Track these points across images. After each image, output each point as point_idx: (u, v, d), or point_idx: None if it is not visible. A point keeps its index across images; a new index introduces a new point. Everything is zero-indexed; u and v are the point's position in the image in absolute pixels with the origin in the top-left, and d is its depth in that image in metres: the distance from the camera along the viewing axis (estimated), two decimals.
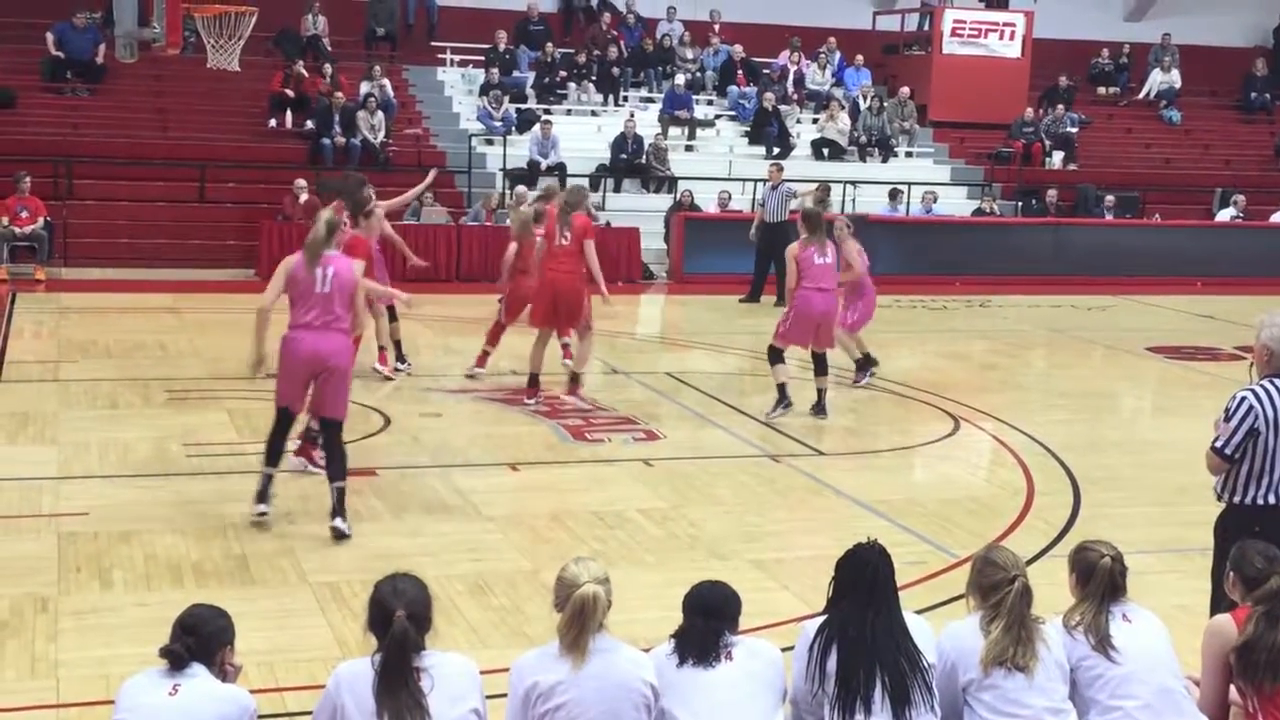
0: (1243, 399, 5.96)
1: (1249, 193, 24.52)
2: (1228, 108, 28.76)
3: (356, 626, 5.81)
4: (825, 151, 23.88)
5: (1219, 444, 5.99)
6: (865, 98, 25.24)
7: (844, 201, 22.73)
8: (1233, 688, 4.93)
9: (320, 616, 7.16)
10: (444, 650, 4.58)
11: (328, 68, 23.01)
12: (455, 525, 8.87)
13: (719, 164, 23.24)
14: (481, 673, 4.63)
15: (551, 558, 7.74)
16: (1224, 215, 24.25)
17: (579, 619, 4.49)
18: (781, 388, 11.89)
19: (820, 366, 12.02)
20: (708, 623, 4.72)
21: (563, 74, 24.61)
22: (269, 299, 8.44)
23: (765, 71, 25.70)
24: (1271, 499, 5.94)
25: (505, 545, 8.51)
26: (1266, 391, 5.96)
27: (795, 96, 25.46)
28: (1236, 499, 6.02)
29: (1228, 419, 5.98)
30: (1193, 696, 4.95)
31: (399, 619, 4.29)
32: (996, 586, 4.82)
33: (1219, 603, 5.50)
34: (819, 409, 11.97)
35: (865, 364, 13.46)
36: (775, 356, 11.93)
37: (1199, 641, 5.10)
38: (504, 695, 4.65)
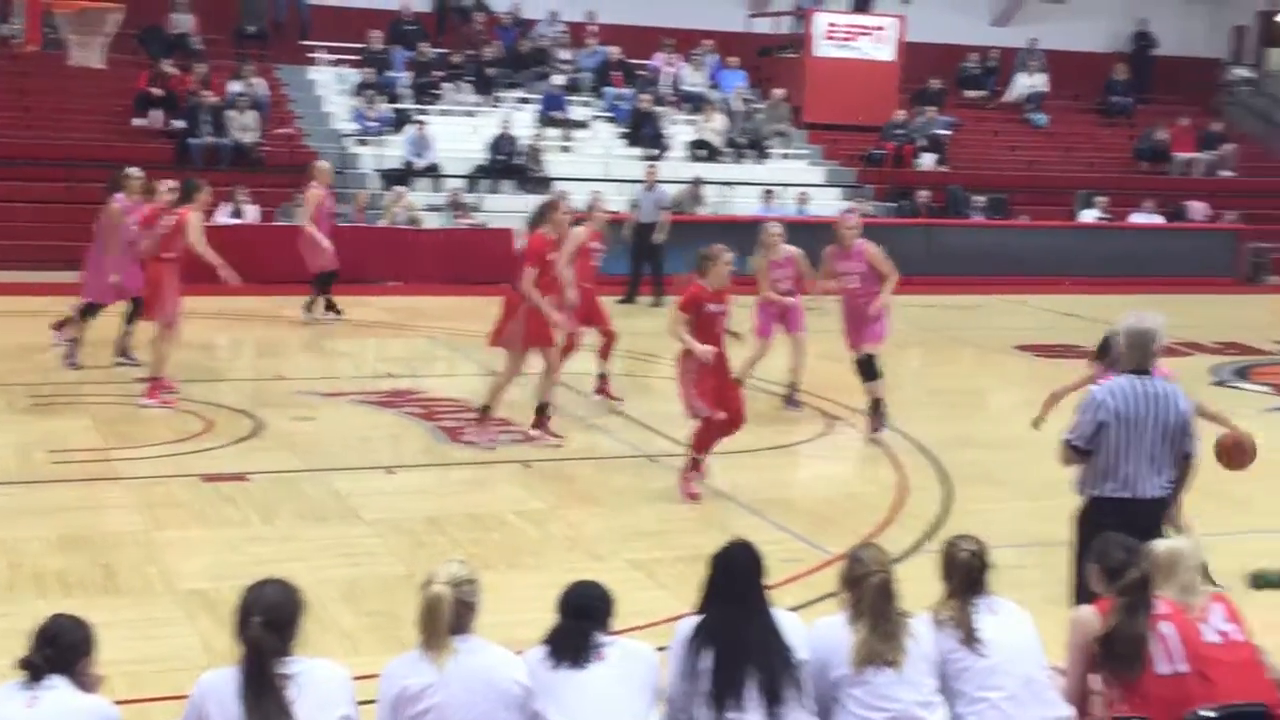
0: (1092, 393, 6.17)
1: (1110, 194, 25.15)
2: (1090, 111, 29.47)
3: (226, 634, 5.70)
4: (701, 153, 24.01)
5: (1068, 435, 6.21)
6: (740, 99, 25.42)
7: (719, 203, 22.91)
8: (1095, 677, 5.05)
9: (188, 625, 7.03)
10: (315, 657, 4.51)
11: (199, 66, 22.58)
12: (329, 530, 8.76)
13: (595, 165, 23.25)
14: (356, 679, 4.58)
15: (428, 561, 7.65)
16: (1087, 216, 24.85)
17: (428, 620, 4.48)
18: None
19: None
20: (580, 623, 4.72)
21: (438, 74, 24.44)
22: None
23: (641, 73, 25.77)
24: (1126, 493, 6.11)
25: (381, 549, 8.42)
26: (1116, 386, 6.15)
27: (671, 98, 25.56)
28: (1094, 493, 6.20)
29: (1079, 412, 6.17)
30: (1057, 686, 5.06)
31: (254, 625, 4.22)
32: (858, 582, 4.90)
33: (1082, 594, 5.63)
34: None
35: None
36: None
37: (1064, 633, 5.22)
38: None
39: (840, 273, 11.72)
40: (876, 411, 11.51)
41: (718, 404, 9.30)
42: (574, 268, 11.91)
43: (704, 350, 9.02)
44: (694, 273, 9.46)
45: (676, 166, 22.84)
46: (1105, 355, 7.90)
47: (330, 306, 16.67)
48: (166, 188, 12.23)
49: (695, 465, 9.45)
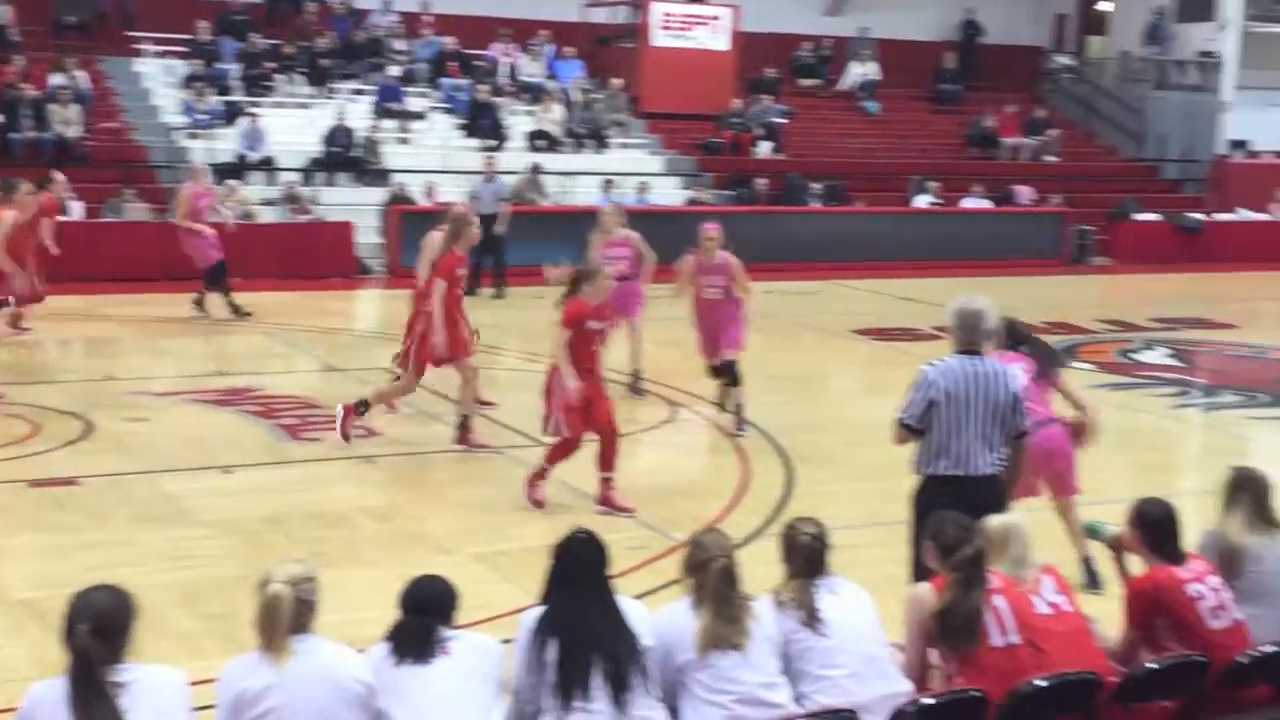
0: (922, 372, 6.31)
1: (943, 179, 25.72)
2: (921, 99, 30.10)
3: (56, 645, 5.53)
4: (540, 143, 23.95)
5: (899, 414, 6.33)
6: (578, 90, 25.41)
7: (559, 194, 22.88)
8: (933, 651, 5.16)
9: (16, 636, 6.81)
10: (152, 663, 4.40)
11: (17, 58, 21.79)
12: (164, 532, 8.56)
13: (434, 156, 23.04)
14: (198, 683, 4.48)
15: (267, 562, 7.46)
16: (920, 202, 25.39)
17: (267, 620, 4.41)
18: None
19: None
20: (422, 619, 4.67)
21: (269, 65, 23.96)
22: None
23: (478, 63, 25.60)
24: (958, 470, 6.26)
25: (219, 551, 8.25)
26: (946, 365, 6.29)
27: (509, 89, 25.45)
28: (928, 471, 6.33)
29: (909, 391, 6.31)
30: (897, 662, 5.16)
31: (80, 632, 4.09)
32: (700, 568, 4.93)
33: (919, 572, 5.76)
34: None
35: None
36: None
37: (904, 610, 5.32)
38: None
39: (703, 284, 11.59)
40: (739, 413, 11.46)
41: (585, 422, 9.08)
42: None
43: (574, 386, 8.82)
44: (569, 290, 9.13)
45: (516, 157, 22.74)
46: (1009, 339, 8.15)
47: (234, 309, 16.26)
48: (25, 189, 11.91)
49: (542, 474, 9.34)
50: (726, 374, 11.53)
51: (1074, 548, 7.87)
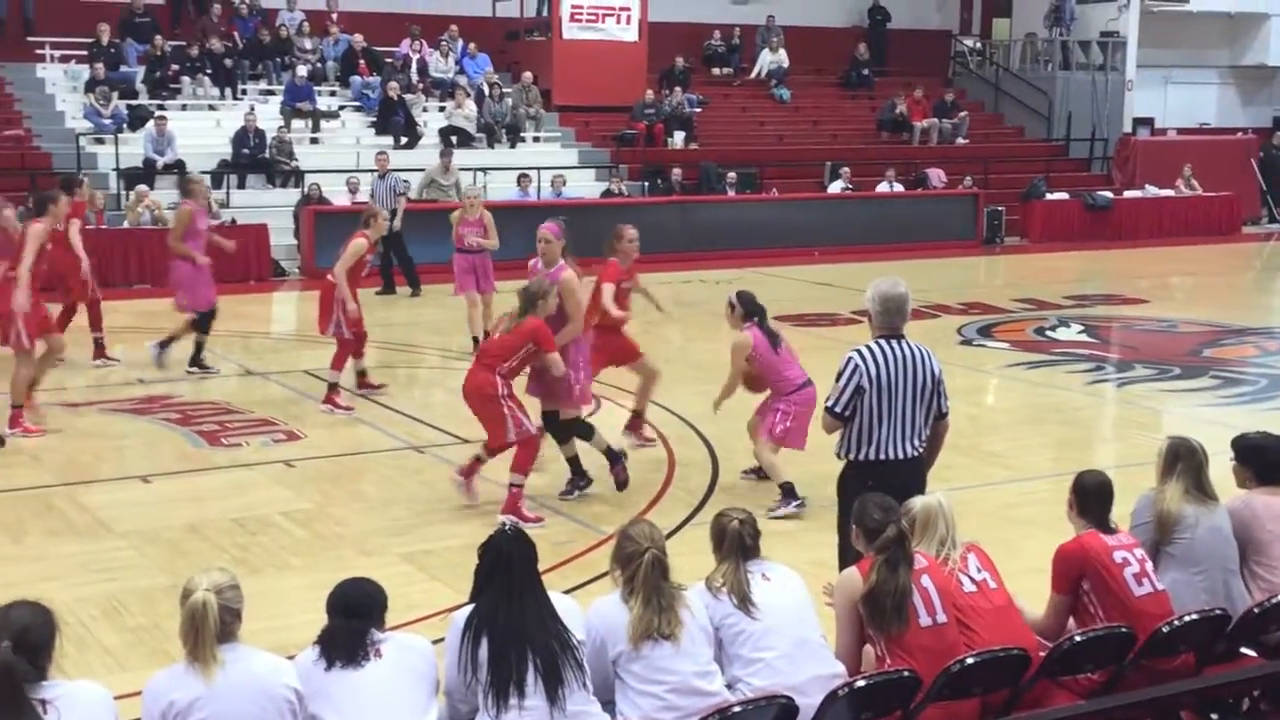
0: (849, 359, 6.32)
1: (855, 164, 25.92)
2: (832, 85, 30.30)
3: None
4: (454, 139, 23.81)
5: (829, 403, 6.34)
6: (488, 84, 25.31)
7: (479, 189, 22.74)
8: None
9: None
10: (76, 679, 4.32)
11: None
12: (83, 545, 8.42)
13: (346, 155, 22.83)
14: (123, 697, 4.41)
15: (191, 570, 7.37)
16: (834, 187, 25.57)
17: (192, 630, 4.34)
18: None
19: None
20: (351, 622, 4.62)
21: (175, 68, 23.60)
22: None
23: (388, 61, 25.39)
24: (883, 454, 6.29)
25: (140, 561, 8.13)
26: (871, 351, 6.32)
27: (420, 85, 25.28)
28: (852, 455, 6.36)
29: (837, 379, 6.32)
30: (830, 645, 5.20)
31: (3, 650, 4.00)
32: (630, 559, 4.93)
33: (846, 555, 5.79)
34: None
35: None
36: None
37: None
38: None
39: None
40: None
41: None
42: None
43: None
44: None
45: (430, 154, 22.57)
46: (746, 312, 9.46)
47: (197, 363, 13.64)
48: (63, 201, 11.60)
49: (478, 464, 9.20)
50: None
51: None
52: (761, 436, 9.32)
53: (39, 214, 11.37)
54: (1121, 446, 11.54)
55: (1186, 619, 5.37)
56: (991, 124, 30.56)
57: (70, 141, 21.40)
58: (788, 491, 9.12)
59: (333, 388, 12.07)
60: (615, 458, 9.51)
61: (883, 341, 6.33)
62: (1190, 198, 27.77)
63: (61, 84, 23.38)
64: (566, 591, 6.04)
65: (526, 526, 8.31)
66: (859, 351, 6.32)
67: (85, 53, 23.27)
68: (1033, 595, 5.72)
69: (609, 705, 4.79)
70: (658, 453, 10.66)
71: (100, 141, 21.74)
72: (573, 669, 4.63)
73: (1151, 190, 27.68)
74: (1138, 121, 30.75)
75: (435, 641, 4.91)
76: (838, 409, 6.30)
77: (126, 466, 10.28)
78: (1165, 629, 5.31)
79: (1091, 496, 5.68)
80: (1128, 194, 27.50)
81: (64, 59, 23.70)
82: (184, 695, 4.29)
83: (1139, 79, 30.53)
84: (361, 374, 12.70)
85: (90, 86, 22.39)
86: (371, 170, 21.57)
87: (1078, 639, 5.20)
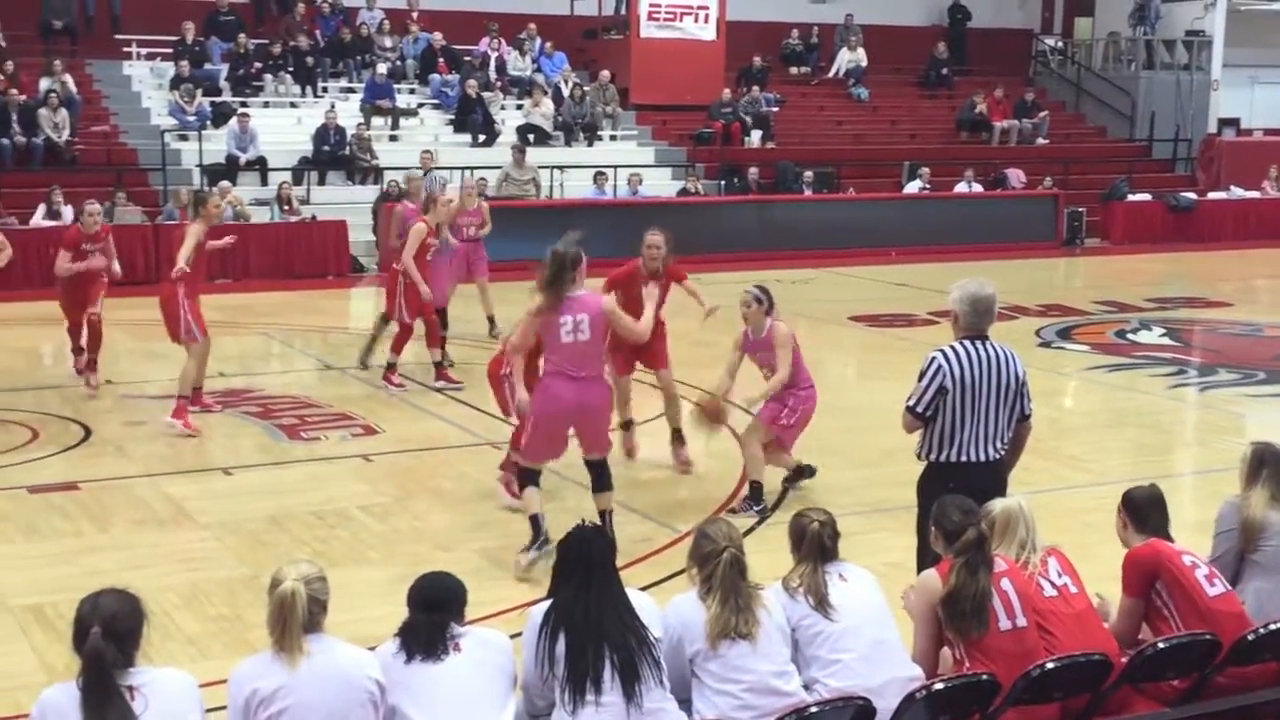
0: (932, 359, 6.26)
1: (934, 164, 25.72)
2: (911, 84, 30.08)
3: (64, 650, 5.53)
4: (530, 137, 23.92)
5: (910, 402, 6.28)
6: (566, 82, 25.38)
7: (551, 187, 22.86)
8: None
9: (22, 641, 6.80)
10: (160, 666, 4.39)
11: (8, 65, 21.71)
12: (167, 535, 8.55)
13: None
14: (203, 685, 4.47)
15: (271, 562, 7.48)
16: (912, 187, 25.38)
17: (281, 618, 4.39)
18: (534, 520, 8.01)
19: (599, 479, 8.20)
20: (431, 616, 4.66)
21: (258, 65, 23.91)
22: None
23: (467, 59, 25.56)
24: (964, 456, 6.23)
25: (222, 552, 8.24)
26: (955, 352, 6.26)
27: (498, 83, 25.41)
28: (933, 457, 6.31)
29: (919, 378, 6.27)
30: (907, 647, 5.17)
31: (93, 635, 4.07)
32: (709, 558, 4.92)
33: (925, 557, 5.76)
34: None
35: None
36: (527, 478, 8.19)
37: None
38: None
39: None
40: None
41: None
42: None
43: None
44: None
45: (508, 152, 22.67)
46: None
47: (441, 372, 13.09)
48: (213, 201, 11.72)
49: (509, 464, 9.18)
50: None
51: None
52: (762, 423, 9.06)
53: (195, 214, 11.68)
54: (1203, 452, 11.37)
55: (1272, 627, 5.29)
56: (1072, 124, 30.21)
57: (155, 138, 21.72)
58: (756, 492, 9.04)
59: (390, 367, 12.75)
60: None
61: (966, 342, 6.27)
62: (1276, 199, 27.27)
63: (147, 81, 23.77)
64: (642, 589, 6.05)
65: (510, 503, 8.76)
66: (942, 351, 6.26)
67: (171, 50, 23.62)
68: (1114, 600, 5.65)
69: (685, 704, 4.79)
70: (732, 450, 10.62)
71: (184, 138, 22.06)
72: (649, 666, 4.63)
73: (1236, 192, 27.23)
74: (1223, 122, 30.27)
75: (513, 636, 4.94)
76: (919, 408, 6.24)
77: (209, 458, 10.43)
78: (1250, 637, 5.23)
79: (1150, 508, 5.61)
80: (1212, 195, 27.07)
81: (150, 57, 24.09)
82: (268, 683, 4.35)
83: (1224, 78, 30.05)
84: (439, 365, 12.87)
85: (175, 84, 22.73)
86: (449, 167, 21.77)
87: (1161, 645, 5.14)
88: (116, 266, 12.82)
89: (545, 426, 7.88)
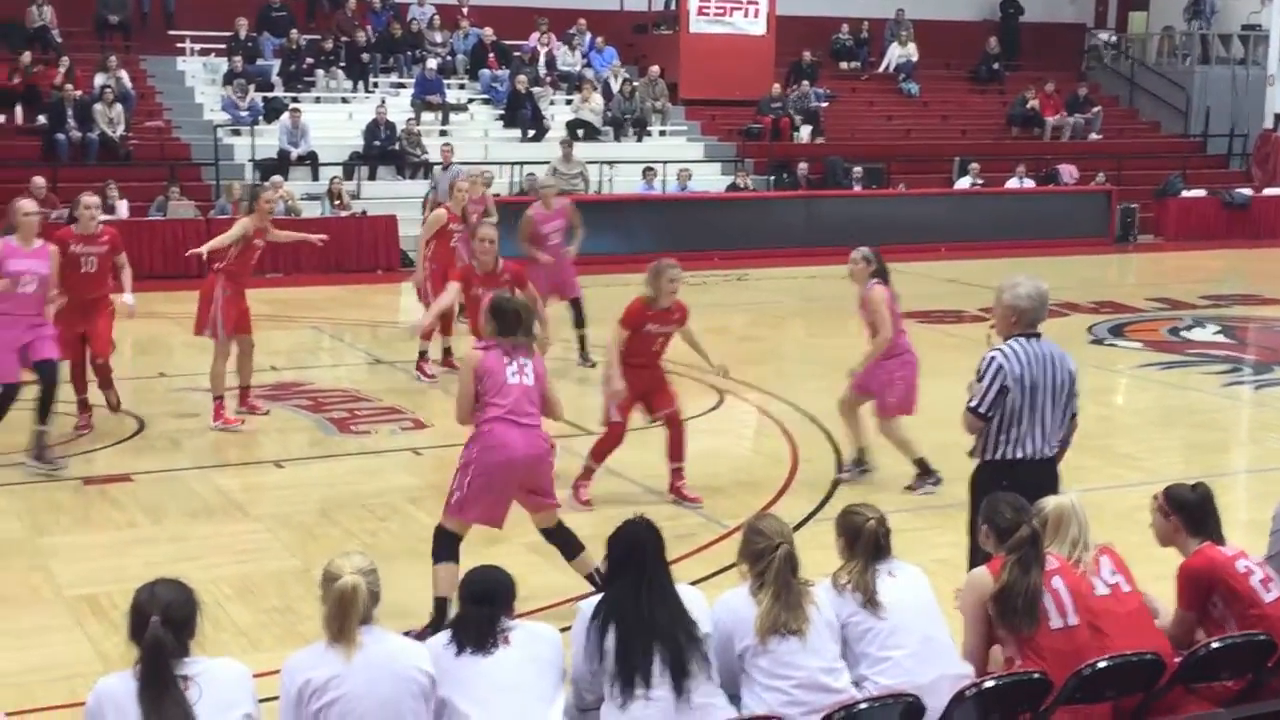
0: (992, 359, 6.21)
1: (985, 160, 25.54)
2: (961, 79, 29.90)
3: (119, 639, 5.59)
4: (580, 132, 23.95)
5: (974, 404, 6.22)
6: (615, 77, 25.39)
7: (600, 182, 22.88)
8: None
9: (78, 631, 6.88)
10: (213, 656, 4.43)
11: (64, 60, 21.97)
12: (219, 527, 8.62)
13: (475, 148, 23.06)
14: (256, 676, 4.51)
15: (322, 554, 7.55)
16: (963, 183, 25.23)
17: (340, 611, 4.42)
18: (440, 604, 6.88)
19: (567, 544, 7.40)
20: (482, 609, 4.68)
21: (309, 61, 24.08)
22: None
23: (516, 54, 25.63)
24: (1019, 453, 6.19)
25: (273, 544, 8.31)
26: (1014, 350, 6.22)
27: (548, 78, 25.46)
28: (987, 455, 6.27)
29: (980, 379, 6.21)
30: (956, 645, 5.15)
31: (153, 625, 4.12)
32: (762, 554, 4.91)
33: (976, 555, 5.72)
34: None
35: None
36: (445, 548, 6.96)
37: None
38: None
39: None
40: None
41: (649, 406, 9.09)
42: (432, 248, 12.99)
43: (618, 388, 8.71)
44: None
45: (557, 147, 22.72)
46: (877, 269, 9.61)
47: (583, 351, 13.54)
48: (266, 196, 11.74)
49: (588, 474, 9.23)
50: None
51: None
52: (880, 417, 9.38)
53: (249, 209, 11.70)
54: (1257, 450, 11.25)
55: None
56: (1126, 119, 29.92)
57: (208, 133, 21.92)
58: (924, 469, 9.34)
59: (422, 355, 12.99)
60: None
61: (1022, 340, 6.23)
62: None
63: (200, 77, 23.99)
64: (690, 584, 6.04)
65: (577, 509, 8.65)
66: (1001, 351, 6.21)
67: (223, 46, 23.84)
68: (1167, 600, 5.60)
69: (735, 699, 4.79)
70: (780, 447, 10.62)
71: (237, 133, 22.25)
72: (699, 661, 4.64)
73: None
74: (1279, 118, 29.87)
75: (562, 630, 4.95)
76: (982, 409, 6.18)
77: (260, 451, 10.51)
78: None
79: (1204, 511, 5.51)
80: (1267, 191, 26.72)
81: (203, 52, 24.33)
82: (321, 674, 4.38)
83: None
84: (447, 352, 13.14)
85: (228, 79, 22.94)
86: (499, 162, 21.84)
87: (1214, 646, 5.09)
88: (129, 287, 10.52)
89: (491, 477, 6.86)
